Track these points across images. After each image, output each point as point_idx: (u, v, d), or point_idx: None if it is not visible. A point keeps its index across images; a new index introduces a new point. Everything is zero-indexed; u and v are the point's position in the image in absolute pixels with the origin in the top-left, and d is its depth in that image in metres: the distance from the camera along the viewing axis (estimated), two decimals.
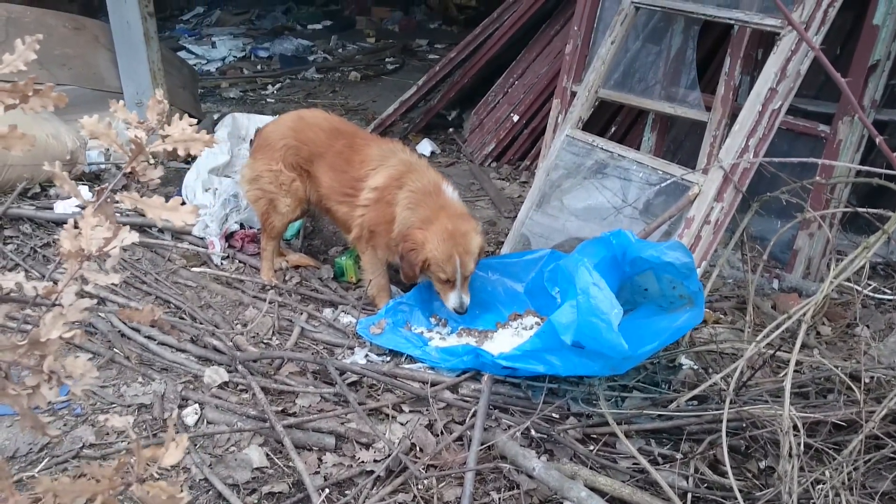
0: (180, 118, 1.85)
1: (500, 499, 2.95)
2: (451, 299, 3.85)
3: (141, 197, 1.82)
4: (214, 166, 5.39)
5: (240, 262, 4.76)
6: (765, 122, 3.73)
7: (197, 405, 3.42)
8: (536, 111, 6.10)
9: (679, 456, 3.04)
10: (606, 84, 4.71)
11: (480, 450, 3.07)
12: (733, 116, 4.22)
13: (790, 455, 2.58)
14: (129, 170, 1.85)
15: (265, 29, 11.44)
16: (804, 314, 2.76)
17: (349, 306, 4.31)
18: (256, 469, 3.10)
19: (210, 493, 2.98)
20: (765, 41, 4.35)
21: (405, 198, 3.90)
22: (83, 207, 1.75)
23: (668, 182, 3.90)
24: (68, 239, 1.71)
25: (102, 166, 5.84)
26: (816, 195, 4.25)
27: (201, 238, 4.88)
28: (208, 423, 3.34)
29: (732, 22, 4.09)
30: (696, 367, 3.69)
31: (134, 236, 1.75)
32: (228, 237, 4.94)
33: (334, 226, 5.42)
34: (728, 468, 2.68)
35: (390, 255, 4.08)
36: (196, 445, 3.20)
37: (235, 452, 3.16)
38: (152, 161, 1.85)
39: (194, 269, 4.61)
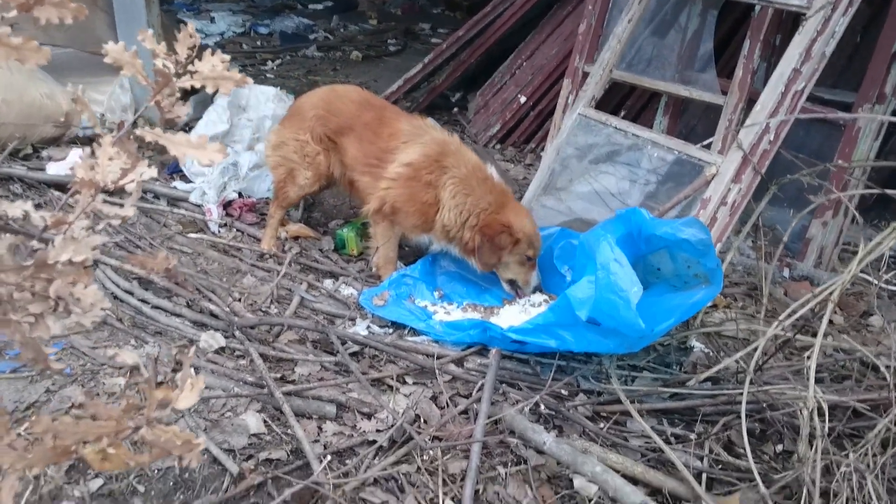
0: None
1: (506, 473, 2.84)
2: (535, 278, 3.82)
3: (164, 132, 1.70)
4: (213, 134, 5.25)
5: (237, 230, 4.64)
6: (787, 104, 3.63)
7: (192, 370, 3.29)
8: (544, 93, 5.99)
9: (693, 436, 2.95)
10: (620, 65, 4.61)
11: (487, 423, 2.96)
12: (750, 101, 4.13)
13: (812, 437, 2.50)
14: (153, 102, 1.72)
15: (266, 6, 11.26)
16: (831, 293, 2.66)
17: (350, 278, 4.19)
18: (254, 435, 2.98)
19: (205, 457, 2.85)
20: (784, 27, 4.27)
21: (454, 183, 3.81)
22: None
23: (684, 159, 3.80)
24: (83, 168, 1.58)
25: (97, 130, 5.67)
26: (834, 183, 4.16)
27: (198, 205, 4.75)
28: (204, 387, 3.21)
29: (755, 1, 3.99)
30: (706, 350, 3.60)
31: (153, 171, 1.63)
32: (226, 205, 4.80)
33: (336, 199, 5.31)
34: (746, 449, 2.58)
35: (416, 235, 4.05)
36: (190, 409, 3.07)
37: (232, 418, 3.03)
38: (178, 95, 1.72)
39: (191, 234, 4.47)
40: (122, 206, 1.64)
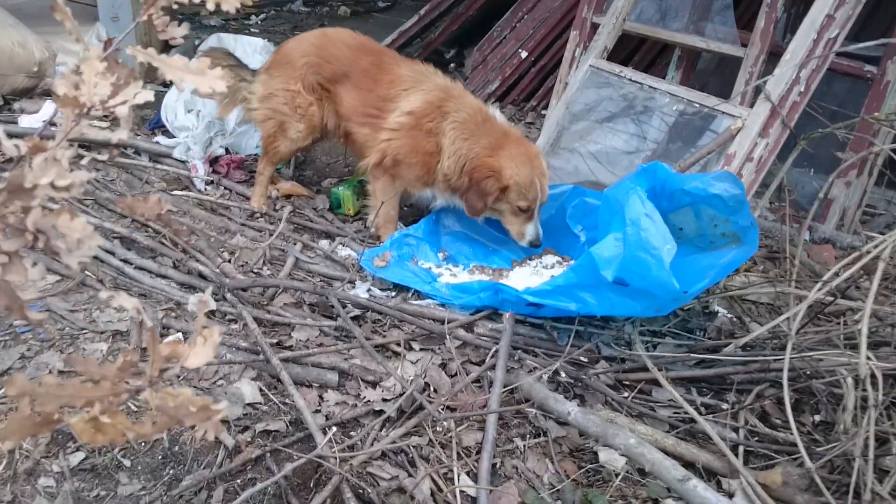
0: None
1: (524, 446, 2.62)
2: (530, 231, 3.53)
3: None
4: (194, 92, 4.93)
5: (225, 188, 4.35)
6: (819, 52, 3.39)
7: (180, 334, 3.04)
8: (547, 47, 5.70)
9: (725, 406, 2.74)
10: (630, 16, 4.34)
11: (503, 392, 2.74)
12: (772, 53, 3.89)
13: (862, 406, 2.29)
14: (145, 18, 1.44)
15: None
16: (882, 251, 2.45)
17: (347, 238, 3.93)
18: (249, 405, 2.73)
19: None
20: None
21: (454, 128, 3.53)
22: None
23: (705, 112, 3.55)
24: (64, 85, 1.31)
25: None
26: (858, 141, 3.94)
27: (183, 161, 4.45)
28: None
29: None
30: (729, 315, 3.39)
31: (148, 94, 1.36)
32: (213, 162, 4.51)
33: (329, 156, 5.02)
34: (790, 418, 2.38)
35: (419, 188, 3.75)
36: (179, 377, 2.83)
37: (225, 386, 2.79)
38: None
39: (176, 192, 4.18)
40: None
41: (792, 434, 2.42)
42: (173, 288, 3.30)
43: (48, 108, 4.78)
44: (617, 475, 2.44)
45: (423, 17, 6.36)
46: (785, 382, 2.43)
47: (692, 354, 2.92)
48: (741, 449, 2.53)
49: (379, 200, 3.78)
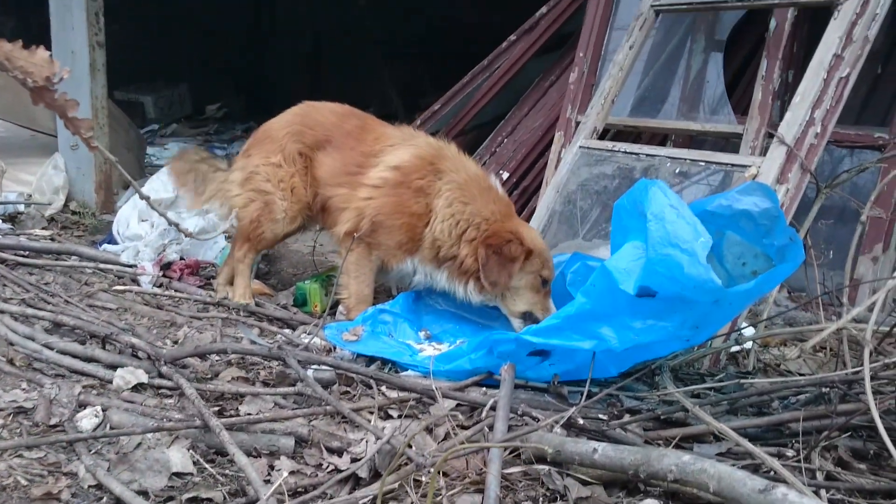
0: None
1: None
2: (551, 306, 3.07)
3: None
4: (156, 199, 4.56)
5: (176, 290, 3.83)
6: (831, 92, 3.13)
7: (98, 408, 2.43)
8: (529, 167, 5.46)
9: (790, 453, 2.14)
10: (621, 113, 4.18)
11: (506, 453, 2.13)
12: (773, 126, 3.65)
13: None
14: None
15: (224, 139, 10.95)
16: None
17: (312, 326, 3.36)
18: (177, 475, 2.10)
19: (104, 500, 1.96)
20: (805, 44, 3.90)
21: (451, 189, 3.14)
22: None
23: (711, 170, 3.22)
24: None
25: (21, 208, 4.97)
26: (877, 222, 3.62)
27: (131, 266, 3.98)
28: (111, 427, 2.34)
29: (776, 3, 3.57)
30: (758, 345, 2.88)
31: None
32: (164, 267, 4.03)
33: (295, 269, 4.57)
34: (889, 447, 1.81)
35: (399, 260, 3.29)
36: (91, 451, 2.19)
37: (147, 450, 2.15)
38: None
39: (117, 288, 3.67)
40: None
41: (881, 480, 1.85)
42: (99, 369, 2.73)
43: None
44: None
45: None
46: (870, 397, 1.88)
47: (744, 396, 2.35)
48: (823, 493, 1.92)
49: (351, 277, 3.29)
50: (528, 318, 3.09)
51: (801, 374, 3.03)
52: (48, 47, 5.11)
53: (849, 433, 2.28)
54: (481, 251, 3.01)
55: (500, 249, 2.98)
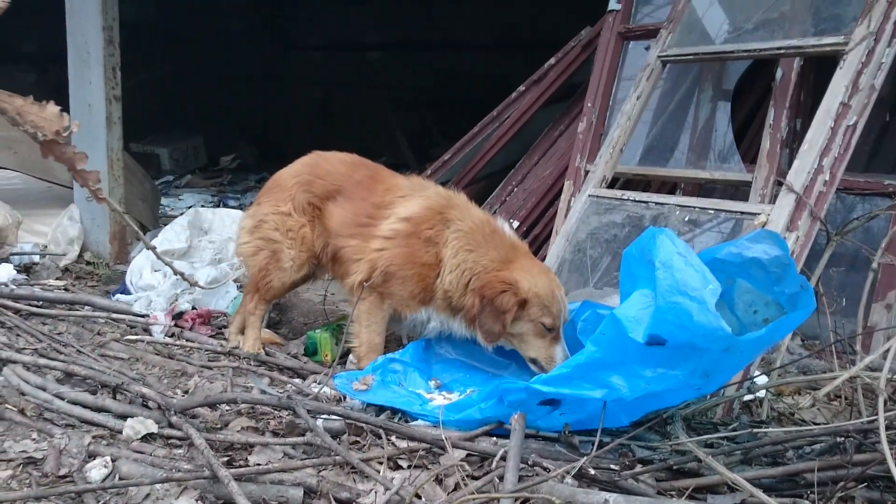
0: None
1: None
2: (559, 354, 3.00)
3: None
4: (168, 249, 4.62)
5: (187, 340, 3.84)
6: (839, 140, 3.15)
7: (108, 458, 2.43)
8: (539, 216, 5.49)
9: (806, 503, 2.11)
10: (629, 162, 4.22)
11: (515, 496, 2.11)
12: (782, 174, 3.67)
13: None
14: None
15: (237, 190, 11.07)
16: None
17: (322, 375, 3.37)
18: None
19: None
20: (812, 93, 3.94)
21: (457, 237, 3.15)
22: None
23: (721, 218, 3.24)
24: None
25: (36, 259, 5.02)
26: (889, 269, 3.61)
27: (144, 316, 4.00)
28: (120, 478, 2.34)
29: (782, 53, 3.60)
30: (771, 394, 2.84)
31: None
32: (176, 317, 4.05)
33: (306, 318, 4.58)
34: None
35: (412, 310, 3.28)
36: (99, 502, 2.19)
37: (156, 501, 2.15)
38: None
39: (129, 337, 3.69)
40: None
41: None
42: (109, 419, 2.73)
43: (4, 271, 4.43)
44: None
45: None
46: (885, 444, 1.85)
47: (758, 445, 2.32)
48: None
49: (363, 326, 3.30)
50: (536, 364, 3.08)
51: (815, 424, 2.99)
52: (66, 101, 5.25)
53: (865, 483, 2.24)
54: (476, 301, 3.02)
55: (493, 301, 2.97)
